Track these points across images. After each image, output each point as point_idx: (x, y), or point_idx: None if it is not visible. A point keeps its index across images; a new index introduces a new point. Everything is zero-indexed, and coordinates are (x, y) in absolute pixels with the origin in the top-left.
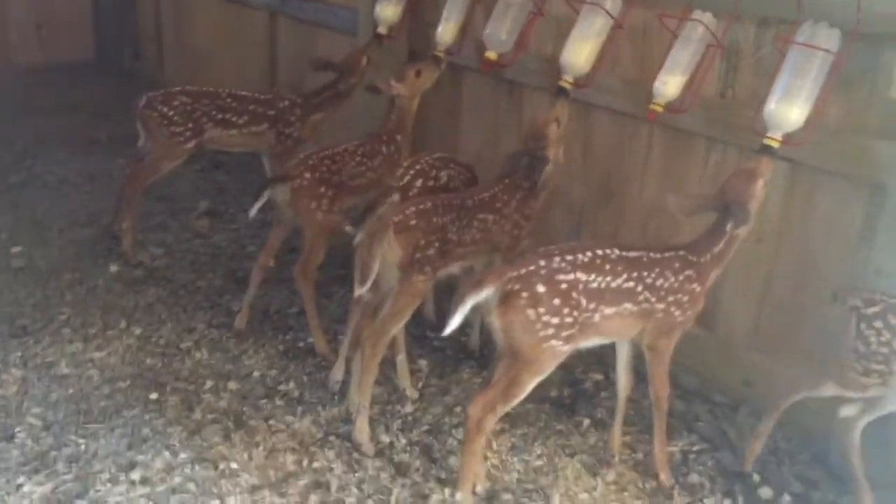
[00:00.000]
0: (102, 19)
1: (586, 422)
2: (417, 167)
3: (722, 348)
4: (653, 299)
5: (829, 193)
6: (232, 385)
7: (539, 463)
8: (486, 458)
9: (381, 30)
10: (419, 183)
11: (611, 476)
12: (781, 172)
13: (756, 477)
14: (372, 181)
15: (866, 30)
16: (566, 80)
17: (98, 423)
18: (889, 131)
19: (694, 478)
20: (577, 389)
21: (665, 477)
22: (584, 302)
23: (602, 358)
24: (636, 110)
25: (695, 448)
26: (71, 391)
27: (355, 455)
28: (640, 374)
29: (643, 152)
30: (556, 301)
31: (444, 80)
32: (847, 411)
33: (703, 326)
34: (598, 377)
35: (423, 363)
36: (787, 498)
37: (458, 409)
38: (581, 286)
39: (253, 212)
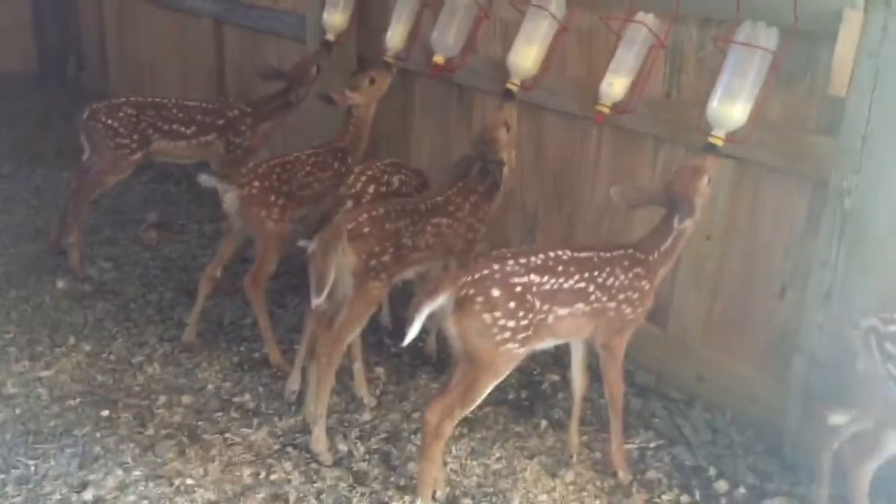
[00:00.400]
0: (44, 28)
1: (544, 423)
2: (369, 173)
3: (675, 345)
4: (604, 298)
5: (774, 189)
6: (186, 399)
7: (498, 466)
8: (445, 463)
9: (330, 36)
10: (371, 189)
11: (569, 476)
12: (728, 170)
13: (712, 470)
14: (321, 192)
15: (804, 28)
16: (513, 83)
17: (48, 443)
18: (829, 127)
19: (652, 474)
20: (535, 391)
21: (623, 474)
22: (538, 304)
23: (559, 359)
24: (585, 112)
25: (651, 444)
26: (19, 411)
27: (313, 465)
28: (595, 374)
29: (593, 153)
30: (512, 304)
31: (395, 85)
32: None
33: (655, 324)
34: (555, 378)
35: (380, 370)
36: (742, 490)
37: (416, 415)
38: (535, 288)
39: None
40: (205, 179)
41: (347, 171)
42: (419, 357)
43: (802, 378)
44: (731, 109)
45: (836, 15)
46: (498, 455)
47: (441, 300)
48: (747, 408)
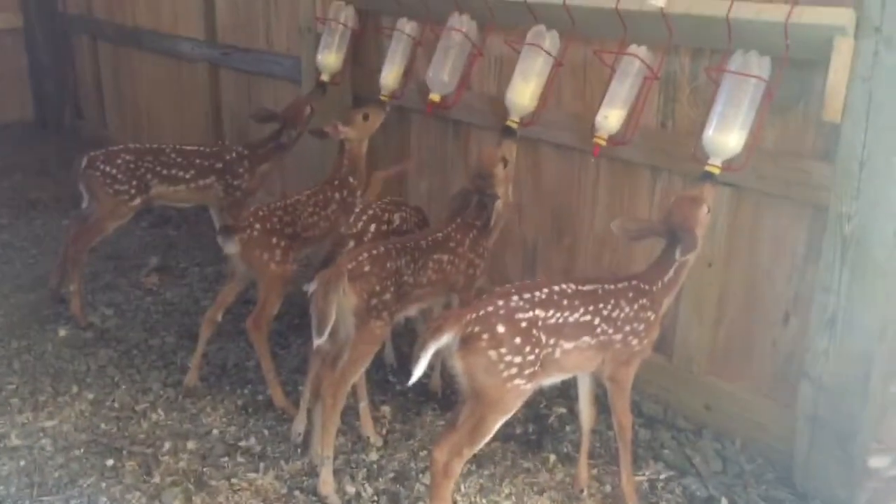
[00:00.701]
0: (40, 77)
1: (553, 457)
2: (370, 212)
3: (681, 374)
4: (610, 331)
5: (773, 216)
6: (191, 445)
7: (508, 503)
8: (454, 501)
9: (324, 77)
10: (373, 228)
11: None
12: (726, 197)
13: (724, 501)
14: (327, 230)
15: (797, 56)
16: (512, 121)
17: (53, 495)
18: (825, 153)
19: None
20: (542, 425)
21: None
22: (544, 339)
23: (565, 391)
24: (582, 144)
25: (662, 476)
26: (23, 463)
27: None
28: (603, 406)
29: (591, 185)
30: (517, 340)
31: (392, 123)
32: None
33: (661, 354)
34: (562, 411)
35: (385, 409)
36: None
37: (423, 453)
38: (540, 323)
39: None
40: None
41: (351, 195)
42: (424, 394)
43: (810, 404)
44: (726, 138)
45: (828, 42)
46: (507, 492)
47: (446, 338)
48: (756, 436)
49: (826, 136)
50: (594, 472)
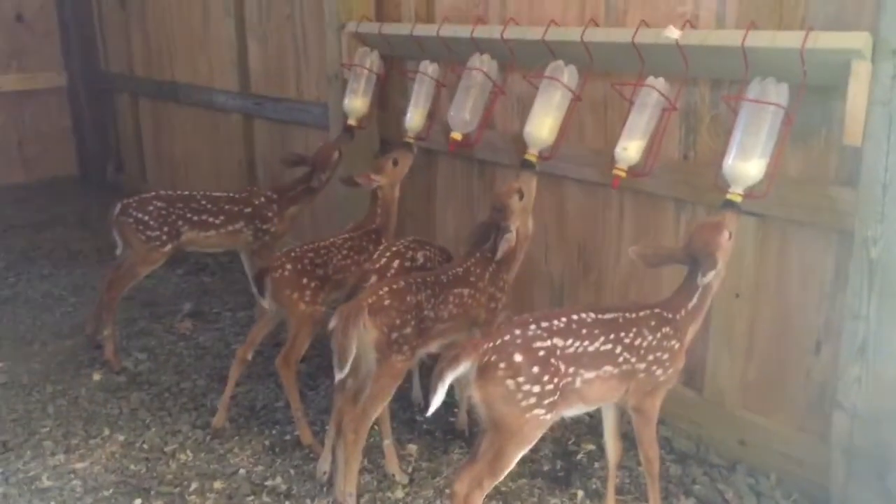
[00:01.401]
0: (83, 134)
1: (580, 494)
2: (394, 249)
3: (713, 409)
4: (633, 360)
5: (799, 244)
6: (217, 485)
7: None
8: None
9: (352, 121)
10: (396, 264)
11: None
12: (752, 227)
13: None
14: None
15: (815, 82)
16: (531, 154)
17: None
18: (849, 178)
19: None
20: (570, 461)
21: None
22: (563, 367)
23: (594, 428)
24: (605, 179)
25: None
26: (53, 503)
27: None
28: (632, 440)
29: (616, 219)
30: (535, 369)
31: (418, 165)
32: None
33: (692, 388)
34: (591, 447)
35: (412, 447)
36: None
37: (449, 490)
38: (559, 352)
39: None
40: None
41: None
42: (451, 432)
43: (844, 435)
44: (746, 166)
45: (845, 66)
46: None
47: (463, 368)
48: (792, 470)
49: (849, 161)
50: None
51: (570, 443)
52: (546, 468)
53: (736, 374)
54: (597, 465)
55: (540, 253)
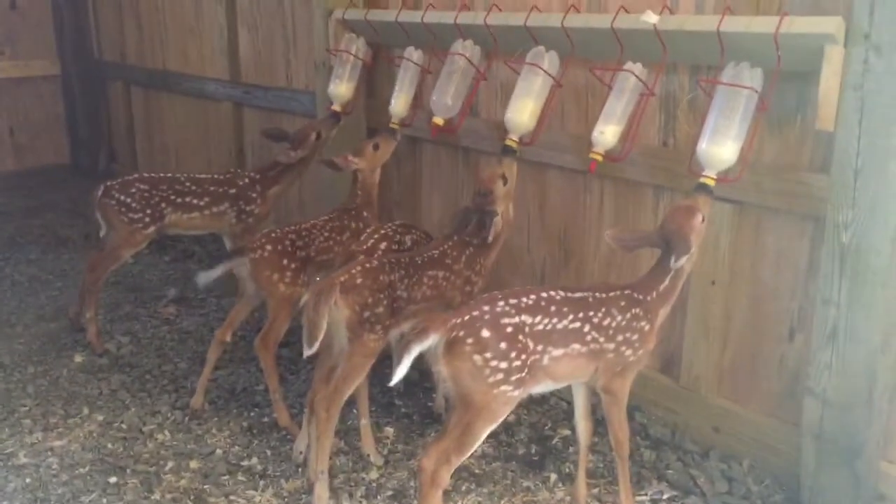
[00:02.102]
0: (76, 122)
1: (554, 476)
2: (382, 232)
3: (688, 396)
4: (601, 339)
5: (775, 230)
6: (193, 464)
7: None
8: None
9: (336, 107)
10: (383, 246)
11: None
12: (727, 213)
13: None
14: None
15: (790, 68)
16: (511, 140)
17: None
18: (823, 164)
19: None
20: (546, 446)
21: None
22: (531, 344)
23: (570, 413)
24: (585, 166)
25: (664, 496)
26: (28, 480)
27: None
28: (605, 425)
29: (596, 206)
30: (503, 345)
31: (403, 153)
32: None
33: (668, 375)
34: (567, 433)
35: (389, 430)
36: None
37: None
38: (527, 329)
39: (202, 280)
40: (203, 277)
41: (367, 226)
42: (429, 416)
43: (815, 421)
44: (719, 149)
45: (818, 51)
46: None
47: (431, 340)
48: (765, 456)
49: (823, 148)
50: (595, 491)
51: (546, 428)
52: (521, 452)
53: (712, 361)
54: (571, 449)
55: (521, 240)
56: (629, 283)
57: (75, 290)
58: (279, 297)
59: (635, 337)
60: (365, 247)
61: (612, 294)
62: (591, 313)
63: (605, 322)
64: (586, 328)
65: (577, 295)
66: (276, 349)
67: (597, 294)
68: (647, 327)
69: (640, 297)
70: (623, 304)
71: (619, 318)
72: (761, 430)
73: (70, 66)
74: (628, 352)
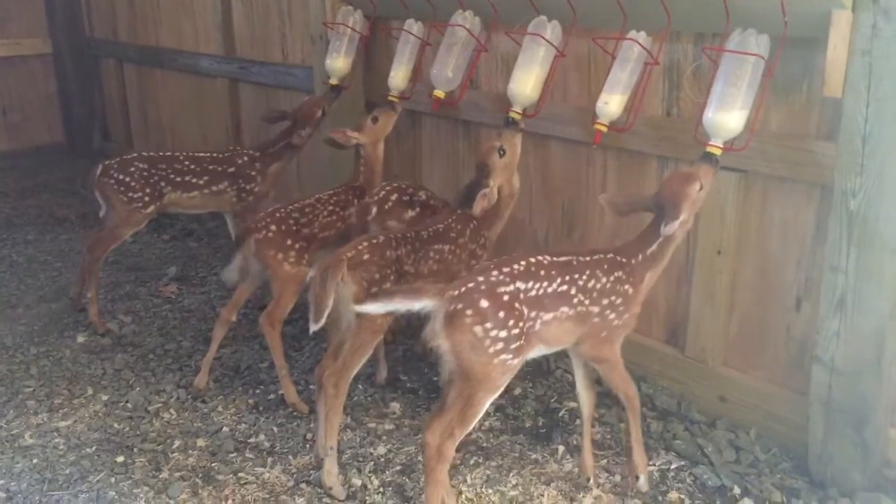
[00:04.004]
0: (69, 100)
1: (561, 448)
2: (393, 184)
3: (694, 366)
4: (587, 302)
5: (781, 199)
6: (201, 442)
7: (514, 493)
8: (460, 492)
9: (333, 81)
10: (394, 198)
11: (588, 500)
12: (733, 183)
13: (736, 489)
14: (344, 232)
15: (796, 35)
16: (515, 111)
17: (62, 490)
18: (830, 132)
19: (673, 495)
20: (552, 419)
21: (643, 480)
22: (526, 311)
23: (575, 386)
24: (588, 137)
25: (673, 466)
26: (35, 461)
27: (326, 500)
28: (613, 398)
29: (600, 177)
30: (501, 314)
31: (403, 126)
32: None
33: (674, 346)
34: (573, 405)
35: (395, 405)
36: None
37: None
38: (522, 295)
39: (227, 276)
40: (227, 273)
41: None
42: (435, 391)
43: (823, 389)
44: (726, 118)
45: (826, 17)
46: (514, 482)
47: (421, 304)
48: (772, 425)
49: (831, 115)
50: (603, 462)
51: (552, 400)
52: (528, 425)
53: (718, 331)
54: (578, 421)
55: (524, 212)
56: (614, 247)
57: (74, 270)
58: (284, 276)
59: (619, 301)
60: (377, 198)
61: (595, 257)
62: (577, 276)
63: (590, 284)
64: (573, 290)
65: (562, 259)
66: (281, 327)
67: (580, 257)
68: (630, 290)
69: (623, 260)
70: (606, 266)
71: (604, 280)
72: (768, 399)
73: (62, 45)
74: (612, 315)
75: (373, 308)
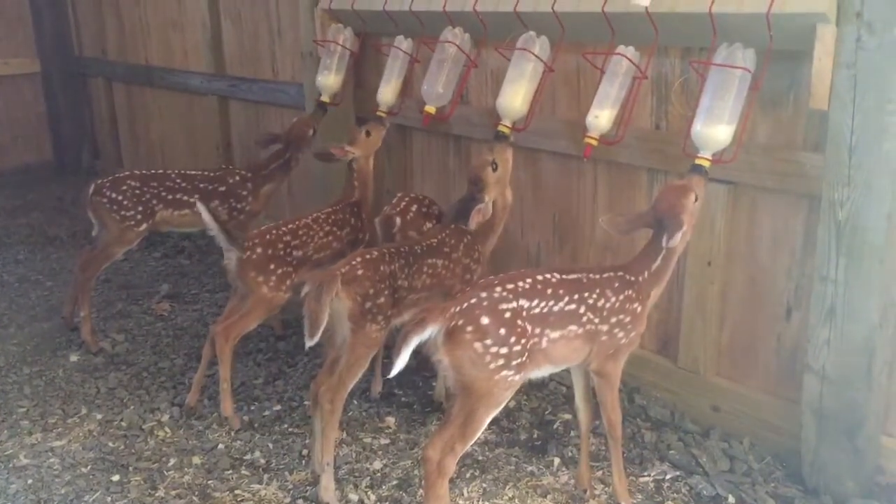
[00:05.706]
0: (58, 120)
1: (557, 461)
2: (412, 195)
3: (687, 377)
4: (596, 320)
5: (770, 210)
6: (196, 460)
7: None
8: None
9: (324, 98)
10: (414, 208)
11: None
12: (722, 195)
13: (731, 499)
14: (338, 252)
15: (783, 48)
16: (504, 125)
17: None
18: (817, 143)
19: None
20: (547, 431)
21: None
22: (529, 328)
23: (570, 398)
24: (579, 151)
25: (668, 476)
26: (30, 481)
27: None
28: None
29: (590, 191)
30: (503, 331)
31: (394, 142)
32: None
33: (666, 357)
34: (568, 417)
35: (390, 420)
36: None
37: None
38: (525, 313)
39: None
40: (205, 216)
41: (363, 224)
42: (430, 405)
43: (815, 398)
44: (714, 131)
45: (811, 31)
46: (510, 495)
47: (430, 331)
48: (765, 434)
49: (817, 127)
50: (599, 473)
51: (546, 413)
52: (523, 437)
53: (709, 341)
54: (573, 433)
55: (516, 225)
56: (621, 265)
57: (66, 288)
58: (259, 298)
59: (628, 319)
60: (399, 208)
61: (605, 275)
62: (586, 294)
63: (600, 303)
64: (582, 309)
65: (572, 276)
66: (234, 344)
67: (590, 275)
68: (638, 308)
69: (633, 278)
70: (616, 285)
71: (613, 299)
72: (761, 409)
73: (50, 64)
74: (621, 334)
75: (404, 360)
